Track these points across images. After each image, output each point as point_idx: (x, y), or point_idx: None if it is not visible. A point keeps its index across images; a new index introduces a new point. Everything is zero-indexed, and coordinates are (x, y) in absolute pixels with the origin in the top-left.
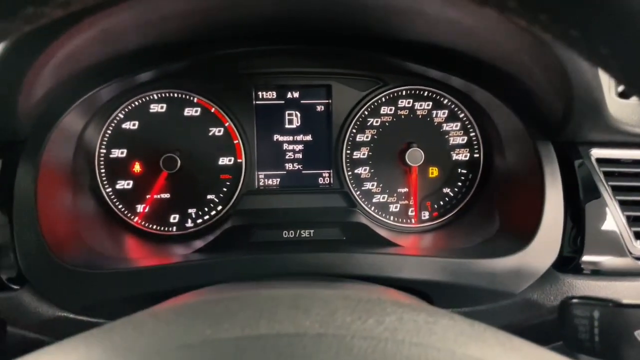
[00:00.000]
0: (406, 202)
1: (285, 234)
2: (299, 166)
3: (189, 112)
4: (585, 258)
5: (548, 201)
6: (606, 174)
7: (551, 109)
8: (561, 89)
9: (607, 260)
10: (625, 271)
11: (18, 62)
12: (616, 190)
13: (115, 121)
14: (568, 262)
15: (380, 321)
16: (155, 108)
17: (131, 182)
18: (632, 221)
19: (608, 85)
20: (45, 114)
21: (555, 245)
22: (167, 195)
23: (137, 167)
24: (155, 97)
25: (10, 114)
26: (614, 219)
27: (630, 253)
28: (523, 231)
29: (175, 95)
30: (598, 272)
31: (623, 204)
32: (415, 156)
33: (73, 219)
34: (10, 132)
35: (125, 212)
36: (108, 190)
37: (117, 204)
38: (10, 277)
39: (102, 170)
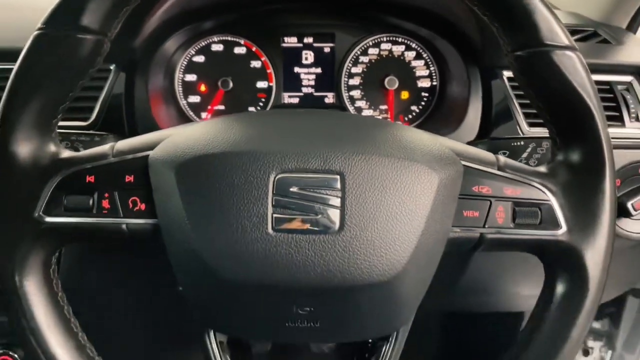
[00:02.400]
0: (386, 115)
1: None
2: (312, 90)
3: (237, 50)
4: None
5: (471, 105)
6: (513, 87)
7: (476, 42)
8: (478, 27)
9: None
10: None
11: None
12: (518, 98)
13: (189, 56)
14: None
15: None
16: (215, 47)
17: (198, 97)
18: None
19: None
20: (150, 44)
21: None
22: (222, 107)
23: (202, 87)
24: (216, 39)
25: (135, 37)
26: (514, 117)
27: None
28: (455, 125)
29: (229, 38)
30: None
31: (523, 107)
32: (391, 83)
33: (168, 122)
34: (131, 54)
35: (194, 117)
36: (183, 102)
37: (189, 111)
38: None
39: (180, 88)
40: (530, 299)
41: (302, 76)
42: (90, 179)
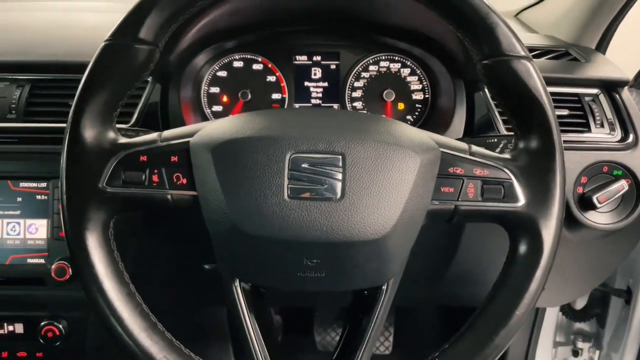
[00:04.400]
0: None
1: None
2: (319, 101)
3: (255, 66)
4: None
5: (457, 114)
6: (493, 98)
7: (460, 59)
8: (460, 46)
9: None
10: None
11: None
12: (497, 106)
13: (213, 71)
14: None
15: None
16: (236, 64)
17: (221, 107)
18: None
19: None
20: (182, 60)
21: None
22: None
23: (224, 98)
24: (237, 57)
25: (170, 53)
26: (493, 122)
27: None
28: (443, 130)
29: (248, 56)
30: None
31: (501, 114)
32: (389, 95)
33: None
34: (166, 67)
35: None
36: (208, 111)
37: (212, 119)
38: None
39: (205, 99)
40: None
41: (311, 89)
42: (143, 158)
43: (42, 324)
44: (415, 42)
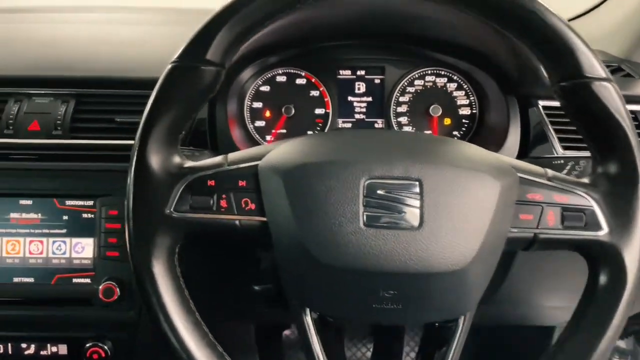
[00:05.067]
0: None
1: None
2: (363, 116)
3: (299, 81)
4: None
5: (511, 131)
6: (548, 115)
7: (513, 75)
8: (516, 62)
9: None
10: None
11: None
12: (553, 124)
13: (257, 86)
14: None
15: None
16: (279, 78)
17: (263, 122)
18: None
19: None
20: (228, 76)
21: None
22: (284, 131)
23: (267, 113)
24: (280, 71)
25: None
26: (550, 141)
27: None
28: (496, 148)
29: (292, 71)
30: None
31: (557, 132)
32: (436, 110)
33: (241, 143)
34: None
35: (260, 139)
36: (250, 126)
37: (255, 135)
38: None
39: (248, 114)
40: (556, 311)
41: (355, 104)
42: (211, 183)
43: (87, 345)
44: (462, 56)
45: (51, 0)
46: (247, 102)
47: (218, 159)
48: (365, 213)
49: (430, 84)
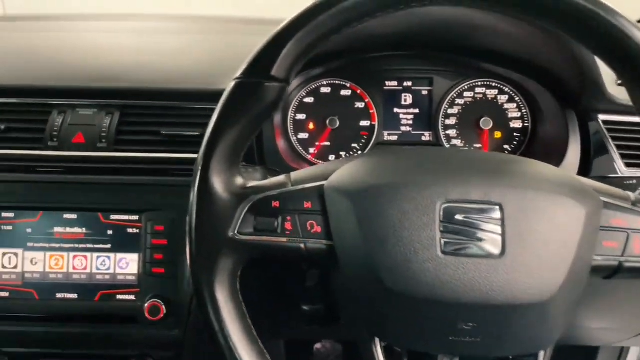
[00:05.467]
0: None
1: None
2: (410, 129)
3: (343, 92)
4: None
5: (570, 147)
6: (609, 130)
7: (572, 87)
8: (576, 74)
9: None
10: None
11: None
12: (615, 140)
13: (300, 97)
14: None
15: None
16: (323, 90)
17: (307, 134)
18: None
19: (606, 73)
20: None
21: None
22: (328, 144)
23: (311, 125)
24: (324, 83)
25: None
26: (612, 158)
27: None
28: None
29: (337, 81)
30: None
31: (619, 148)
32: (486, 123)
33: (287, 156)
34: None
35: (303, 152)
36: (294, 138)
37: (299, 147)
38: None
39: (291, 126)
40: (601, 332)
41: (401, 116)
42: (275, 204)
43: None
44: (514, 67)
45: (93, 9)
46: (290, 113)
47: (281, 178)
48: (442, 239)
49: (480, 95)
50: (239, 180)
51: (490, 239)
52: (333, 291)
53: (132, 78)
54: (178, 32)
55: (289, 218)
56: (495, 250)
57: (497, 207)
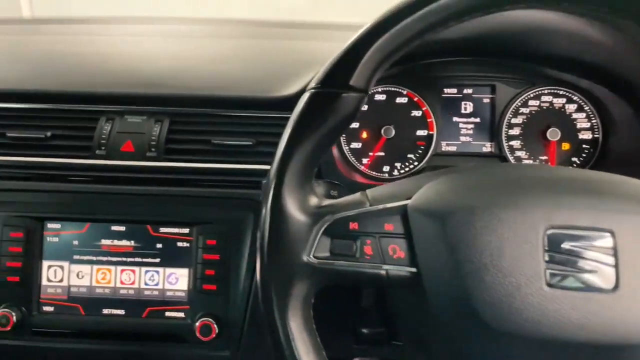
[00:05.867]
0: None
1: None
2: (470, 139)
3: (399, 100)
4: None
5: None
6: None
7: None
8: None
9: None
10: None
11: None
12: None
13: None
14: None
15: None
16: (378, 97)
17: (360, 144)
18: None
19: None
20: None
21: None
22: (382, 154)
23: (364, 134)
24: (379, 90)
25: None
26: None
27: None
28: None
29: (392, 89)
30: None
31: None
32: (554, 134)
33: (340, 166)
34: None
35: (356, 162)
36: (346, 148)
37: (351, 157)
38: None
39: (344, 135)
40: None
41: (461, 125)
42: (353, 225)
43: None
44: (585, 74)
45: (139, 11)
46: None
47: (357, 196)
48: (547, 270)
49: (547, 104)
50: (313, 199)
51: (602, 271)
52: (393, 313)
53: (180, 84)
54: (220, 36)
55: (368, 241)
56: (607, 283)
57: (608, 234)
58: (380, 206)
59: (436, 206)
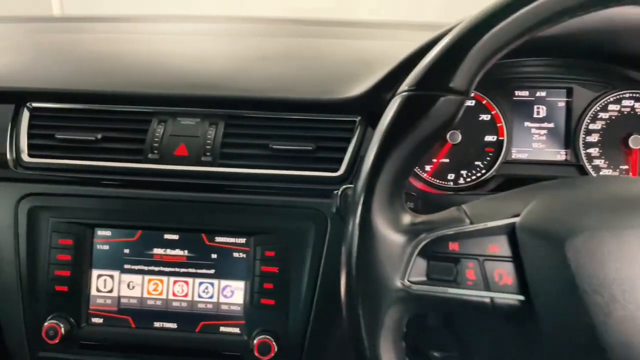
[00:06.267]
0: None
1: None
2: (542, 145)
3: (467, 102)
4: None
5: None
6: None
7: None
8: None
9: None
10: None
11: None
12: None
13: None
14: None
15: None
16: None
17: None
18: None
19: None
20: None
21: None
22: (446, 160)
23: None
24: None
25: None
26: None
27: None
28: None
29: None
30: None
31: None
32: (637, 142)
33: None
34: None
35: (418, 169)
36: None
37: None
38: None
39: None
40: None
41: (533, 131)
42: (453, 246)
43: None
44: None
45: (190, 10)
46: None
47: (453, 212)
48: None
49: (628, 109)
50: (405, 215)
51: None
52: (465, 337)
53: (234, 85)
54: (270, 35)
55: (470, 265)
56: None
57: None
58: (482, 225)
59: (551, 227)
